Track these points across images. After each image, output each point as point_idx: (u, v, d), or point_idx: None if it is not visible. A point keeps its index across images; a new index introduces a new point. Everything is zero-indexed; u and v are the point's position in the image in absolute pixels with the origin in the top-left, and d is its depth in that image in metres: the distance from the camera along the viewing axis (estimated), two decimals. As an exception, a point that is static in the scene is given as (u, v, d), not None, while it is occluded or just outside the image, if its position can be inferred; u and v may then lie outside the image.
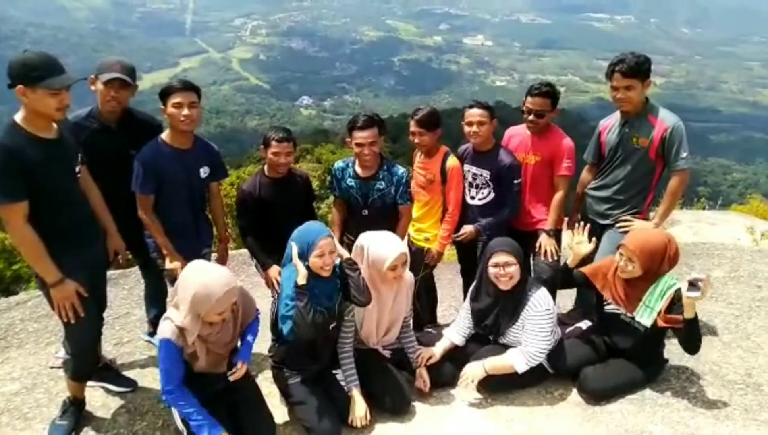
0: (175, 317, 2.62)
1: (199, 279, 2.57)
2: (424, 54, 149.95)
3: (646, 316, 3.19)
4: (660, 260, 3.13)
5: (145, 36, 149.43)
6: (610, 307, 3.38)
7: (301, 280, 2.84)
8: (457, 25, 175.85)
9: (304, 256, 2.90)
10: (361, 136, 3.51)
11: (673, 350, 3.44)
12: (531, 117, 3.79)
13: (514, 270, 3.23)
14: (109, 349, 3.88)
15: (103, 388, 3.35)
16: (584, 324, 3.72)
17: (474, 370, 3.26)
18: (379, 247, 3.14)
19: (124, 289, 5.01)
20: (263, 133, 3.62)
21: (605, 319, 3.43)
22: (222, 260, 3.78)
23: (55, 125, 2.70)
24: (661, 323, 3.13)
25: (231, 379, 2.80)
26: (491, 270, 3.28)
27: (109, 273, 5.30)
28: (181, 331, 2.60)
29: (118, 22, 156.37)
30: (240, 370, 2.82)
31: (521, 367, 3.21)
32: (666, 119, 3.55)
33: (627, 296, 3.25)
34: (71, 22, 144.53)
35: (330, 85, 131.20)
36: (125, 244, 3.52)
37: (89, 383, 3.20)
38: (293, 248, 2.92)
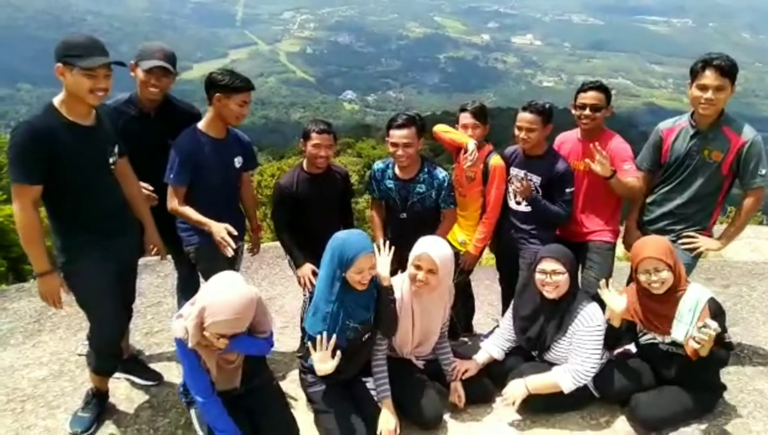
0: (185, 314, 2.50)
1: (218, 291, 2.42)
2: (470, 52, 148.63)
3: (679, 331, 2.91)
4: (672, 262, 2.91)
5: (197, 26, 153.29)
6: (646, 337, 3.13)
7: (322, 370, 2.73)
8: (506, 24, 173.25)
9: (341, 267, 2.75)
10: (397, 135, 3.36)
11: (733, 380, 3.15)
12: (587, 111, 3.50)
13: (562, 279, 3.00)
14: (138, 338, 3.84)
15: (128, 380, 3.29)
16: (633, 346, 3.43)
17: (516, 390, 3.04)
18: (419, 242, 3.02)
19: (160, 276, 4.99)
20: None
21: (644, 350, 3.17)
22: (255, 249, 3.73)
23: (93, 112, 2.62)
24: (688, 346, 2.83)
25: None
26: (538, 277, 3.07)
27: (146, 259, 5.33)
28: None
29: (172, 12, 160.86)
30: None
31: (567, 386, 2.98)
32: (744, 132, 3.22)
33: (658, 318, 3.00)
34: (127, 11, 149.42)
35: (374, 80, 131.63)
36: (161, 234, 3.46)
37: (115, 375, 3.14)
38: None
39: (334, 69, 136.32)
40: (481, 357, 3.31)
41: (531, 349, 3.27)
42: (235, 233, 3.04)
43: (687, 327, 2.87)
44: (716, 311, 2.87)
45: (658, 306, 2.99)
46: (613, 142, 3.55)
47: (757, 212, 3.45)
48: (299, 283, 3.51)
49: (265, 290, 5.17)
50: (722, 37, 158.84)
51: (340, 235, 2.81)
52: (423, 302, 3.07)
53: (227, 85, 3.01)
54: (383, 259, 2.91)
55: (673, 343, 2.98)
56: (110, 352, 2.92)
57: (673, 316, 2.94)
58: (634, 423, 3.01)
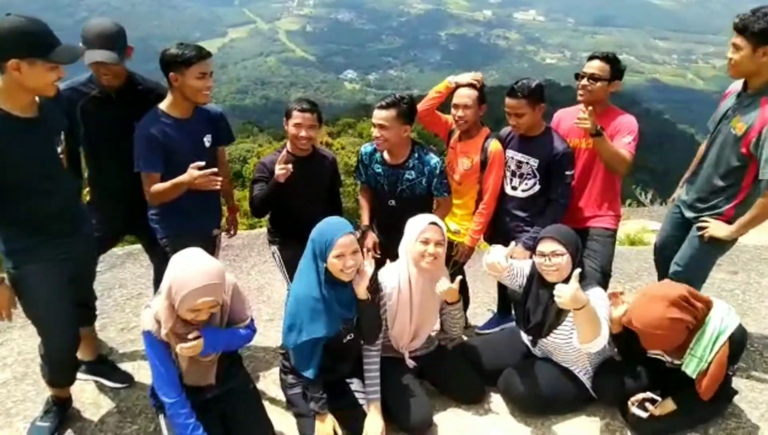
0: (155, 304, 2.30)
1: (181, 265, 2.23)
2: (472, 28, 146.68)
3: (692, 366, 2.63)
4: (687, 322, 2.56)
5: (196, 5, 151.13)
6: (654, 352, 2.87)
7: None
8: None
9: (322, 256, 2.53)
10: (375, 115, 3.15)
11: (743, 377, 2.94)
12: (584, 81, 3.26)
13: (563, 261, 2.75)
14: (112, 335, 3.65)
15: (96, 382, 3.09)
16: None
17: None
18: (410, 224, 2.84)
19: (143, 266, 4.77)
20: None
21: (648, 364, 2.90)
22: (233, 230, 3.54)
23: (37, 100, 2.36)
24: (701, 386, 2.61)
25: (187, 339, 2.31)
26: (537, 260, 2.84)
27: (130, 247, 5.13)
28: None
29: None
30: (193, 343, 2.29)
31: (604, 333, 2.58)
32: None
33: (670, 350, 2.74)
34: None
35: (375, 58, 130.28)
36: (128, 226, 3.24)
37: (81, 377, 2.94)
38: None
39: (334, 47, 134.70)
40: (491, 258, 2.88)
41: (528, 334, 3.04)
42: (202, 164, 2.74)
43: (701, 363, 2.61)
44: (736, 349, 2.62)
45: None
46: (619, 117, 3.31)
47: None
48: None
49: (254, 279, 4.98)
50: (729, 11, 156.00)
51: (318, 224, 2.62)
52: (420, 291, 2.86)
53: (177, 60, 2.73)
54: (368, 268, 2.66)
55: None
56: (63, 364, 2.68)
57: (687, 346, 2.64)
58: (635, 431, 2.80)
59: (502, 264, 2.80)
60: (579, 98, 3.33)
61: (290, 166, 2.98)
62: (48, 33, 2.18)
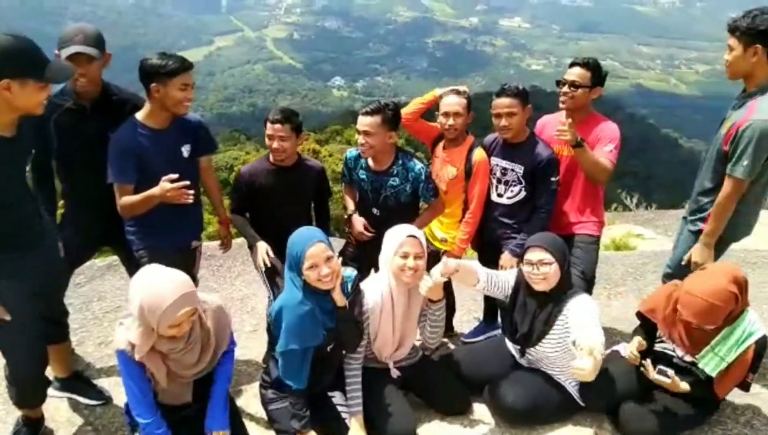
0: (128, 323, 2.23)
1: (147, 285, 2.15)
2: (458, 35, 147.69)
3: (712, 365, 2.63)
4: (733, 307, 2.57)
5: (182, 13, 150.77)
6: (663, 345, 2.86)
7: None
8: (495, 6, 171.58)
9: (297, 269, 2.48)
10: (360, 122, 3.13)
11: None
12: (565, 88, 3.24)
13: (550, 270, 2.70)
14: (90, 349, 3.56)
15: (71, 399, 3.00)
16: (622, 348, 3.19)
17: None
18: (388, 236, 2.77)
19: (123, 277, 4.63)
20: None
21: (655, 357, 2.86)
22: (226, 244, 3.46)
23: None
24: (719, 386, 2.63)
25: None
26: (525, 269, 2.80)
27: (111, 258, 5.02)
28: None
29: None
30: None
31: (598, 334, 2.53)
32: (759, 110, 2.78)
33: (693, 339, 2.71)
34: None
35: (363, 66, 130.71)
36: (105, 238, 3.15)
37: (55, 394, 2.86)
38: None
39: (321, 55, 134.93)
40: (466, 263, 2.88)
41: (516, 344, 3.00)
42: (175, 176, 2.66)
43: (722, 363, 2.61)
44: (759, 356, 2.63)
45: (697, 331, 2.67)
46: (601, 124, 3.30)
47: (729, 212, 2.93)
48: (256, 267, 3.24)
49: (238, 289, 4.91)
50: (709, 17, 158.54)
51: (290, 237, 2.56)
52: (402, 302, 2.80)
53: (160, 70, 2.68)
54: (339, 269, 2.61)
55: (693, 363, 2.74)
56: (30, 384, 2.58)
57: (709, 342, 2.64)
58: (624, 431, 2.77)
59: (434, 276, 2.66)
60: (561, 105, 3.32)
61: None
62: (38, 52, 2.14)
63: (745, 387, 2.71)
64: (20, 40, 2.11)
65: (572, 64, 3.28)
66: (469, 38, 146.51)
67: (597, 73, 3.24)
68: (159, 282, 2.15)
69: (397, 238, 2.71)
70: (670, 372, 2.65)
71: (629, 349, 2.81)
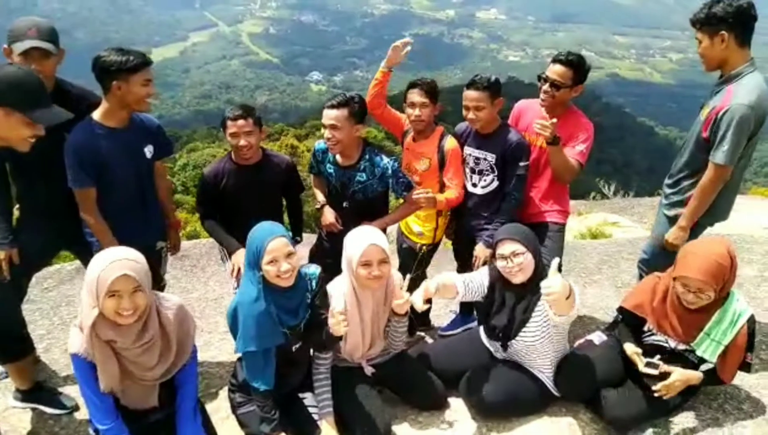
0: (78, 322, 2.13)
1: (98, 261, 2.07)
2: (436, 28, 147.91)
3: (710, 350, 2.65)
4: (728, 276, 2.58)
5: (155, 9, 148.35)
6: (653, 338, 2.85)
7: None
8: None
9: (256, 264, 2.40)
10: (324, 115, 3.06)
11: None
12: (546, 86, 3.21)
13: (524, 260, 2.68)
14: (57, 356, 3.45)
15: (35, 410, 2.89)
16: (597, 337, 3.19)
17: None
18: (349, 241, 2.65)
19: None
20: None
21: (645, 351, 2.84)
22: (176, 248, 3.35)
23: None
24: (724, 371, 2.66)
25: None
26: (499, 264, 2.76)
27: (74, 264, 4.87)
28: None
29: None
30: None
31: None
32: (735, 94, 2.80)
33: (685, 327, 2.71)
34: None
35: (340, 60, 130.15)
36: (64, 242, 3.05)
37: (19, 405, 2.75)
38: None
39: (298, 49, 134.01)
40: (441, 280, 2.74)
41: (495, 340, 2.96)
42: None
43: (719, 346, 2.63)
44: (752, 331, 2.66)
45: (690, 316, 2.68)
46: (577, 121, 3.30)
47: (710, 198, 2.98)
48: (231, 273, 3.16)
49: (212, 289, 4.83)
50: (681, 7, 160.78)
51: (250, 231, 2.47)
52: (370, 304, 2.73)
53: (121, 67, 2.59)
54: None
55: (687, 350, 2.74)
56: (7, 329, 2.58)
57: (702, 327, 2.66)
58: (607, 422, 2.77)
59: (416, 303, 2.60)
60: (541, 103, 3.29)
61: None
62: (38, 91, 2.13)
63: (746, 368, 2.72)
64: (27, 74, 2.14)
65: (554, 60, 3.22)
66: (446, 31, 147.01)
67: (579, 71, 3.20)
68: (107, 252, 2.11)
69: (358, 247, 2.58)
70: (663, 366, 2.65)
71: (630, 351, 2.80)
